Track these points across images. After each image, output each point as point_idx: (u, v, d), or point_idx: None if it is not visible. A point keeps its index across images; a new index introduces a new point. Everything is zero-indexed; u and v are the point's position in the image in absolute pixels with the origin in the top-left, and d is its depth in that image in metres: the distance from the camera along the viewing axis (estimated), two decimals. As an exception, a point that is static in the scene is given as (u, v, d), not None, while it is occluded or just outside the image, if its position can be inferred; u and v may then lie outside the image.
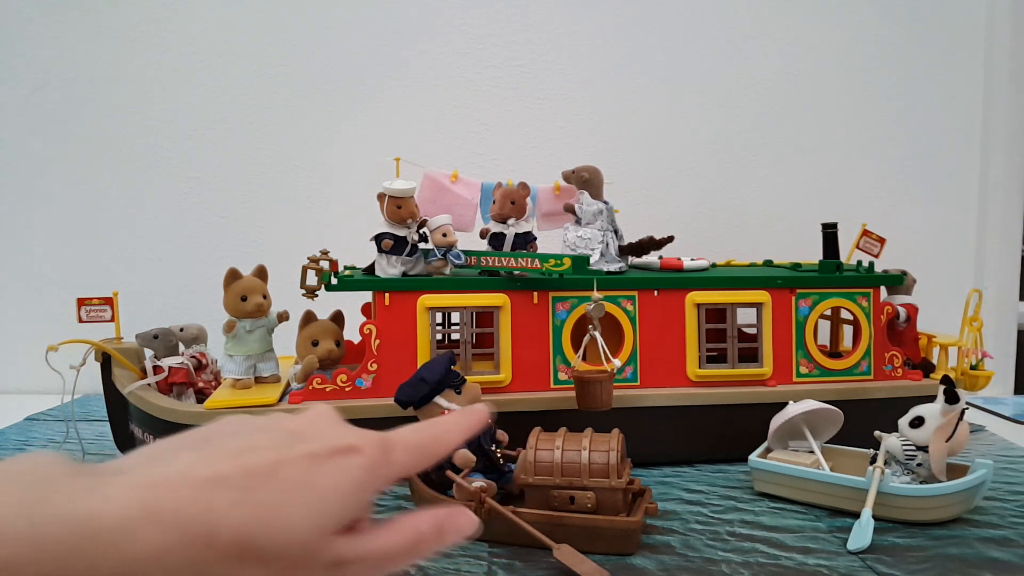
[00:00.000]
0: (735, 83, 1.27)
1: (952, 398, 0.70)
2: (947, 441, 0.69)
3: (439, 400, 0.71)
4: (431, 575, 0.60)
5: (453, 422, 0.34)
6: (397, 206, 0.83)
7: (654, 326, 0.86)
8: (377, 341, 0.81)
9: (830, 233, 0.99)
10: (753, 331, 0.89)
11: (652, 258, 0.96)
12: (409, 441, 0.31)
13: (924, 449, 0.70)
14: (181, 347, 0.90)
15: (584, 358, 0.82)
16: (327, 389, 0.79)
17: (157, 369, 0.84)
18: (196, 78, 1.22)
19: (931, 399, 0.73)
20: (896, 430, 0.73)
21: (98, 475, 0.25)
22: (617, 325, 0.86)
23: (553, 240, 0.96)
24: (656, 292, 0.86)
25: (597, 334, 0.80)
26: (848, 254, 1.03)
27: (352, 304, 0.93)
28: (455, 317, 0.91)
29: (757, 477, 0.77)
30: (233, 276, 0.83)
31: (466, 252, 0.85)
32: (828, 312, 0.97)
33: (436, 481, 0.72)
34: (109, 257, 1.23)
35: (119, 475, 0.25)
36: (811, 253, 1.02)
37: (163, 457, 0.27)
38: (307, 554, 0.27)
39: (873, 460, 0.71)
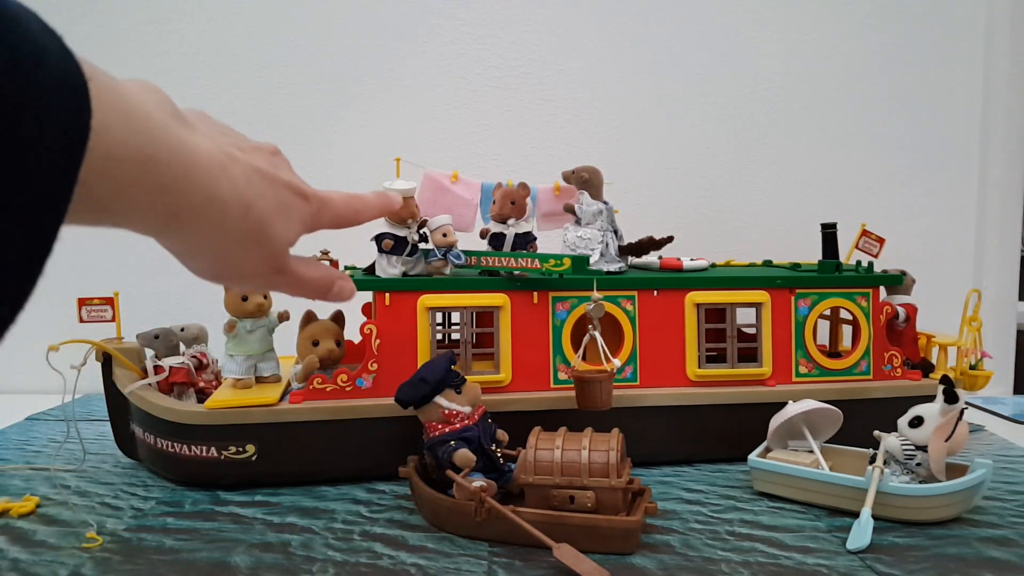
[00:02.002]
0: (735, 83, 1.27)
1: (951, 398, 0.70)
2: (946, 441, 0.69)
3: (439, 400, 0.71)
4: (431, 575, 0.60)
5: (371, 200, 0.42)
6: (397, 206, 0.83)
7: (654, 326, 0.86)
8: (377, 341, 0.81)
9: (829, 233, 0.99)
10: (752, 331, 0.89)
11: (652, 258, 0.96)
12: (337, 205, 0.39)
13: (923, 449, 0.70)
14: (182, 347, 0.90)
15: (584, 358, 0.82)
16: (327, 389, 0.79)
17: (158, 369, 0.84)
18: (196, 78, 1.22)
19: (930, 399, 0.73)
20: (895, 430, 0.73)
21: (187, 120, 0.30)
22: (617, 325, 0.86)
23: (553, 240, 0.96)
24: (656, 292, 0.87)
25: (597, 334, 0.80)
26: (847, 254, 1.03)
27: (352, 304, 0.93)
28: (455, 317, 0.91)
29: (756, 477, 0.77)
30: (234, 276, 0.83)
31: (466, 252, 0.85)
32: (827, 312, 0.97)
33: (436, 480, 0.72)
34: (110, 257, 1.23)
35: (197, 127, 0.31)
36: (810, 253, 1.02)
37: (211, 131, 0.33)
38: (275, 255, 0.35)
39: (872, 460, 0.71)
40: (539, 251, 0.90)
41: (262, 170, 0.33)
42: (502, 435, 0.75)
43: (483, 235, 0.91)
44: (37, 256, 0.20)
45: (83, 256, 1.25)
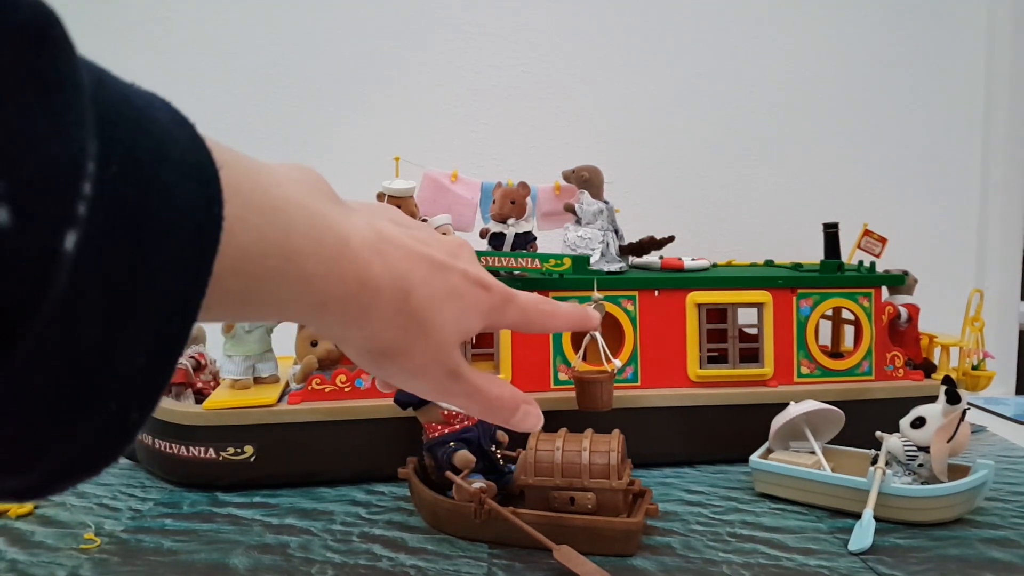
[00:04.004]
0: (736, 83, 1.27)
1: (953, 398, 0.70)
2: (948, 442, 0.69)
3: (439, 400, 0.71)
4: (431, 575, 0.60)
5: (566, 310, 0.38)
6: (397, 206, 0.83)
7: (654, 326, 0.86)
8: (377, 341, 0.80)
9: (831, 233, 0.98)
10: (754, 331, 0.89)
11: (652, 258, 0.95)
12: (524, 305, 0.36)
13: (925, 450, 0.70)
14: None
15: (584, 358, 0.82)
16: (326, 389, 0.79)
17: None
18: (196, 78, 1.21)
19: (932, 399, 0.72)
20: (897, 430, 0.73)
21: (342, 204, 0.29)
22: (617, 325, 0.86)
23: (553, 240, 0.96)
24: (656, 292, 0.86)
25: (597, 334, 0.79)
26: (849, 254, 1.02)
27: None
28: (455, 317, 0.91)
29: (758, 478, 0.77)
30: (232, 276, 0.83)
31: (466, 252, 0.85)
32: (829, 312, 0.97)
33: (436, 482, 0.71)
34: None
35: (355, 211, 0.29)
36: (812, 253, 1.02)
37: (376, 217, 0.31)
38: (443, 349, 0.31)
39: (874, 461, 0.71)
40: (539, 251, 0.90)
41: (430, 256, 0.31)
42: (502, 436, 0.74)
43: (483, 235, 0.91)
44: (166, 361, 0.19)
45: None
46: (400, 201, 0.83)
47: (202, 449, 0.77)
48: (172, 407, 0.78)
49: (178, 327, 0.20)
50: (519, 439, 0.72)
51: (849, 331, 0.97)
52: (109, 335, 0.17)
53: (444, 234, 0.87)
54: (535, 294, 0.37)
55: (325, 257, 0.26)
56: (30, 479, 0.18)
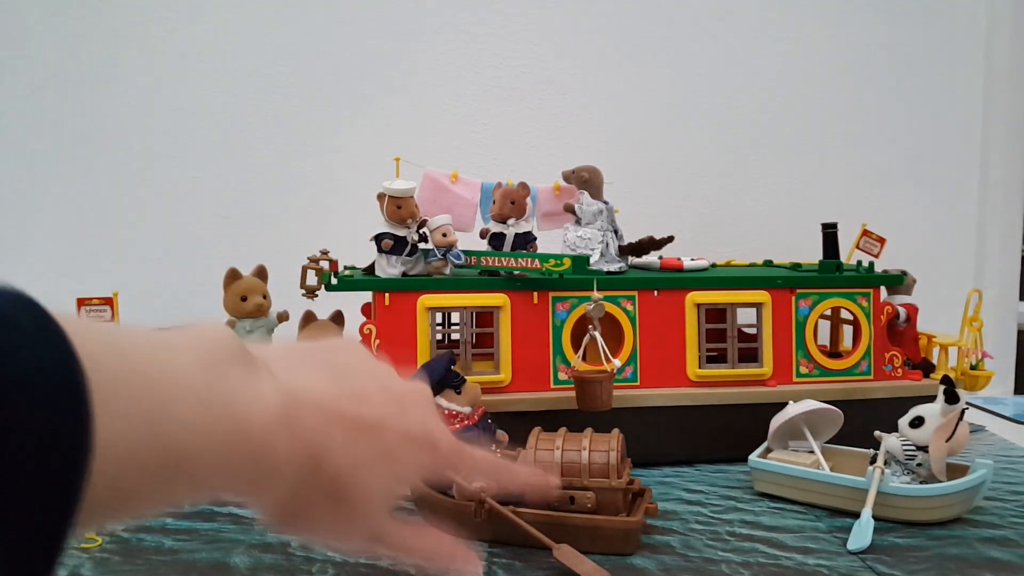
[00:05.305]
0: (736, 83, 1.27)
1: (952, 398, 0.70)
2: (947, 441, 0.69)
3: (439, 400, 0.71)
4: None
5: (524, 477, 0.37)
6: (397, 206, 0.83)
7: (654, 326, 0.86)
8: (377, 341, 0.81)
9: (830, 233, 0.99)
10: (753, 331, 0.89)
11: (652, 258, 0.96)
12: (477, 464, 0.34)
13: (924, 449, 0.70)
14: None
15: (584, 358, 0.82)
16: (327, 389, 0.79)
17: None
18: (196, 78, 1.21)
19: (931, 399, 0.73)
20: (896, 430, 0.73)
21: (254, 369, 0.27)
22: (617, 325, 0.86)
23: (553, 240, 0.96)
24: (656, 292, 0.86)
25: (597, 334, 0.80)
26: (848, 254, 1.03)
27: (352, 304, 0.93)
28: (455, 317, 0.91)
29: (757, 477, 0.77)
30: (233, 276, 0.83)
31: (466, 252, 0.85)
32: (828, 312, 0.97)
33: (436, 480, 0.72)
34: (109, 257, 1.23)
35: (267, 375, 0.27)
36: (811, 253, 1.02)
37: (300, 368, 0.29)
38: (363, 515, 0.29)
39: (873, 460, 0.71)
40: (539, 251, 0.90)
41: (355, 416, 0.29)
42: (502, 435, 0.74)
43: (483, 235, 0.91)
44: None
45: (82, 256, 1.25)
46: (400, 201, 0.83)
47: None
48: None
49: (40, 563, 0.18)
50: (519, 439, 0.72)
51: (848, 331, 0.97)
52: None
53: (444, 235, 0.86)
54: (490, 455, 0.35)
55: (217, 449, 0.24)
56: None
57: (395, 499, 0.30)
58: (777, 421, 0.77)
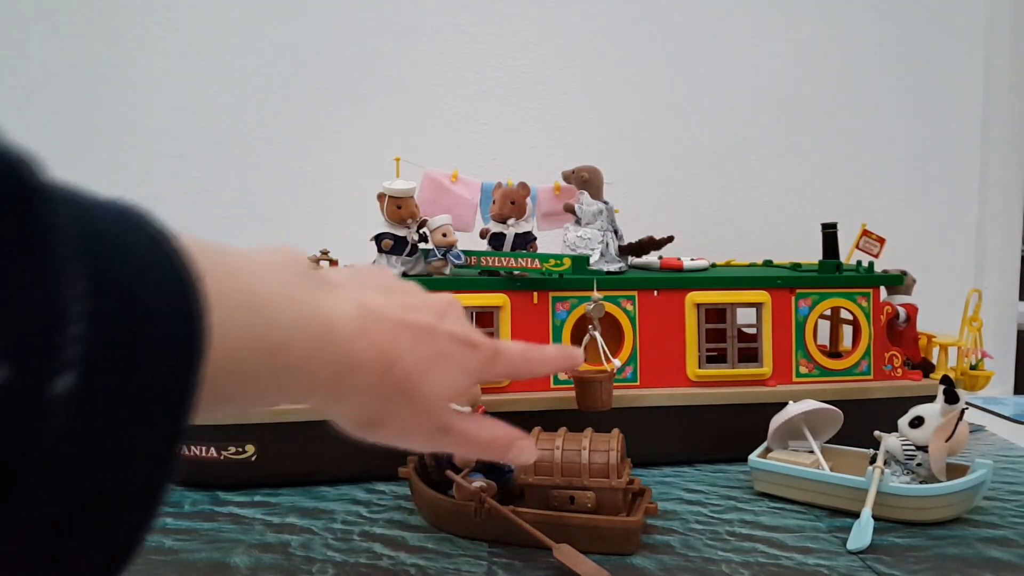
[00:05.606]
0: (735, 83, 1.27)
1: (952, 398, 0.70)
2: (947, 441, 0.69)
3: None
4: (431, 575, 0.60)
5: (552, 355, 0.40)
6: (397, 206, 0.83)
7: (654, 326, 0.86)
8: (377, 341, 0.80)
9: (830, 233, 0.99)
10: (753, 331, 0.89)
11: (652, 258, 0.96)
12: (511, 357, 0.37)
13: (924, 449, 0.70)
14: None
15: (584, 358, 0.82)
16: (327, 389, 0.79)
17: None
18: (196, 78, 1.21)
19: (931, 399, 0.73)
20: (896, 430, 0.73)
21: (326, 282, 0.30)
22: (617, 325, 0.86)
23: (553, 240, 0.96)
24: (656, 292, 0.86)
25: (597, 334, 0.80)
26: (848, 254, 1.03)
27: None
28: (455, 317, 0.91)
29: (757, 477, 0.77)
30: (233, 276, 0.83)
31: (466, 252, 0.85)
32: (828, 312, 0.97)
33: (436, 481, 0.72)
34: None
35: (339, 287, 0.30)
36: (811, 253, 1.02)
37: (362, 288, 0.32)
38: (432, 411, 0.32)
39: (873, 460, 0.71)
40: (539, 251, 0.90)
41: (415, 322, 0.32)
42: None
43: (483, 235, 0.91)
44: (161, 479, 0.20)
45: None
46: (400, 201, 0.83)
47: (203, 448, 0.77)
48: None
49: (169, 444, 0.20)
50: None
51: (848, 331, 0.97)
52: (106, 465, 0.18)
53: (444, 235, 0.87)
54: (521, 343, 0.38)
55: (310, 345, 0.27)
56: None
57: (455, 395, 0.33)
58: (777, 421, 0.78)
